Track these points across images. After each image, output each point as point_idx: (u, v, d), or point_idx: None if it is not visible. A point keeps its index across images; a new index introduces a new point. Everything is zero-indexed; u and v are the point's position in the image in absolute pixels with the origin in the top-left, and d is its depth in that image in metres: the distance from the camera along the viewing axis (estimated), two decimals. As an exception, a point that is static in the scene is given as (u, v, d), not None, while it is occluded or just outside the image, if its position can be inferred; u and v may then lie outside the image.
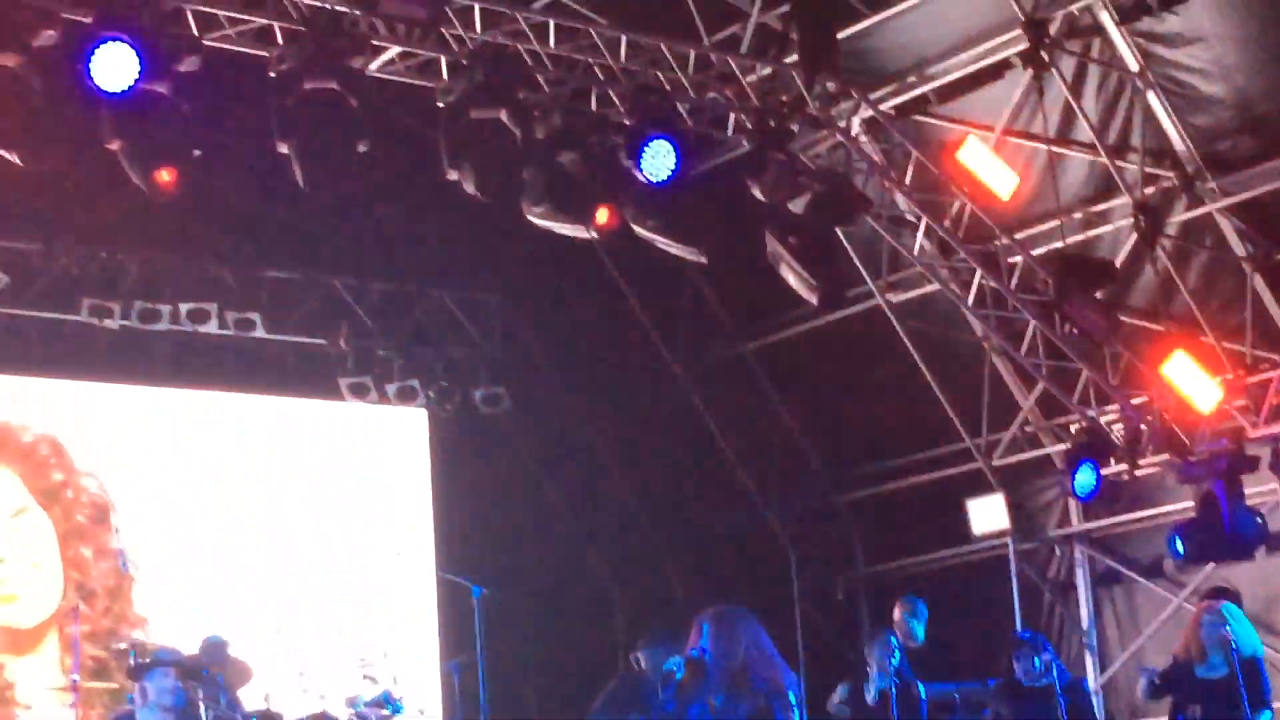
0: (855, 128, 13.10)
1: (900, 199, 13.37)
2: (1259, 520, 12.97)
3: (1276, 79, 12.00)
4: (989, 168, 12.84)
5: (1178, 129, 12.47)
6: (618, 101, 11.98)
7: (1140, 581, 14.52)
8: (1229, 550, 13.09)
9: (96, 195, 12.03)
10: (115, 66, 9.60)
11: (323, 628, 14.95)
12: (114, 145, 9.84)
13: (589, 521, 16.80)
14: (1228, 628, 10.72)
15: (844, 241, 14.18)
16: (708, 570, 15.95)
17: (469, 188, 10.89)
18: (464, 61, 11.29)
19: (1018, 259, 13.49)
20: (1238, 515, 12.89)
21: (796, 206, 12.14)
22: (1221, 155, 12.54)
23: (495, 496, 15.96)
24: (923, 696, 11.46)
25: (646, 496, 16.78)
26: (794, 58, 12.39)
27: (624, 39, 11.84)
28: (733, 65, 12.43)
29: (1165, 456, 13.52)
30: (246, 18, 10.74)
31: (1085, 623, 14.83)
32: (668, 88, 12.13)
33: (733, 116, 12.60)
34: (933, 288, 14.08)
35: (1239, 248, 12.90)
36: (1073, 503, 14.57)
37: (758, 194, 12.07)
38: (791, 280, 12.13)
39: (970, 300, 13.74)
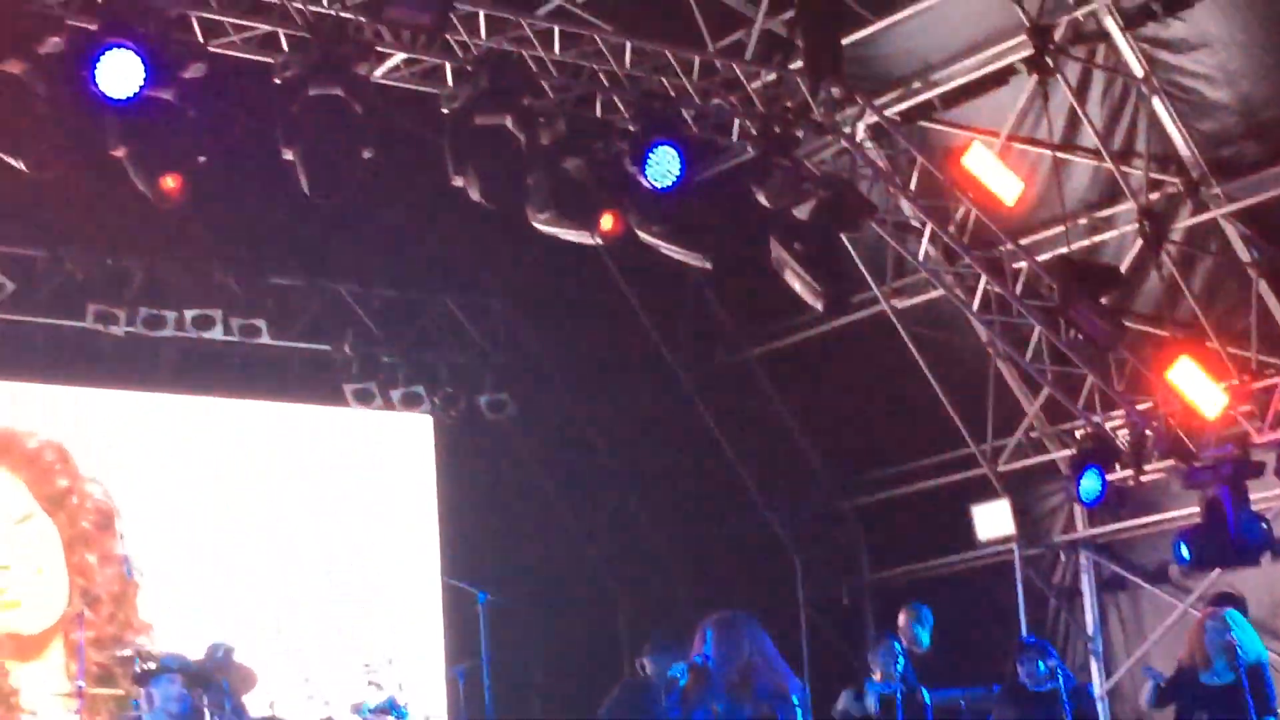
0: (860, 133, 13.10)
1: (905, 205, 13.36)
2: (1264, 526, 12.95)
3: (1282, 84, 12.02)
4: (994, 173, 12.83)
5: (1183, 134, 12.46)
6: (622, 108, 11.97)
7: (1146, 587, 14.51)
8: (1234, 556, 13.08)
9: (102, 202, 12.06)
10: (120, 73, 9.62)
11: (327, 633, 14.95)
12: (119, 152, 9.85)
13: (594, 527, 16.80)
14: (1231, 634, 10.72)
15: (849, 247, 14.20)
16: (713, 576, 15.95)
17: (474, 194, 10.90)
18: (469, 68, 11.30)
19: (1023, 264, 13.48)
20: (1243, 521, 12.88)
21: (801, 212, 12.15)
22: (1227, 161, 12.53)
23: (500, 502, 15.97)
24: (927, 702, 11.47)
25: (651, 502, 16.77)
26: (799, 64, 12.39)
27: (628, 45, 11.85)
28: (737, 71, 12.43)
29: (1170, 462, 13.50)
30: (251, 24, 10.75)
31: (1090, 629, 14.81)
32: (672, 94, 12.14)
33: (737, 122, 12.59)
34: (938, 293, 14.07)
35: (1244, 253, 12.89)
36: (1078, 508, 14.56)
37: (762, 200, 12.08)
38: (796, 286, 12.14)
39: (975, 306, 13.73)
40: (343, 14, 10.66)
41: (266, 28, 10.77)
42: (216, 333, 14.52)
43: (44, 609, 13.80)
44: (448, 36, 11.24)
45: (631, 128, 11.67)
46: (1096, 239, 13.38)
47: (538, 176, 11.17)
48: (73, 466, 14.24)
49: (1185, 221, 12.95)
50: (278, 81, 10.50)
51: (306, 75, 10.35)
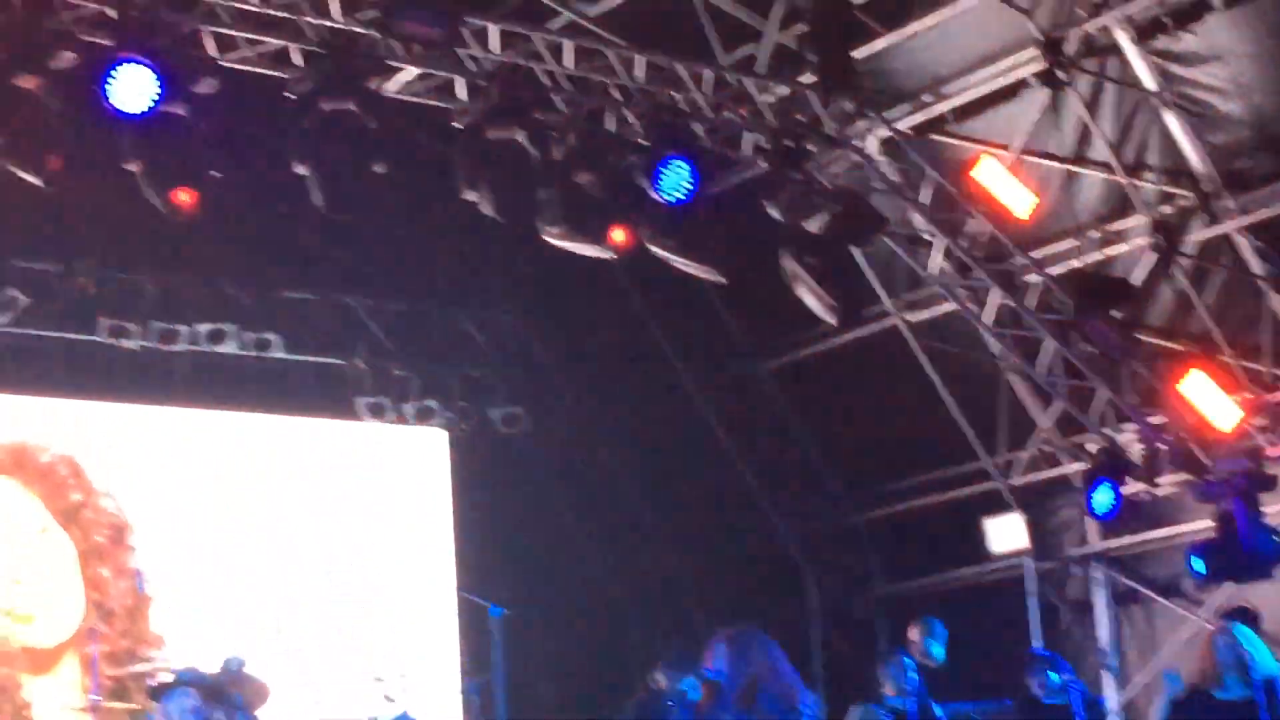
0: (872, 147, 13.10)
1: (917, 218, 13.36)
2: (1277, 539, 12.92)
3: (1294, 97, 12.01)
4: (1006, 187, 12.82)
5: (1195, 147, 12.44)
6: (634, 122, 11.99)
7: (1159, 601, 14.47)
8: (1248, 569, 13.04)
9: (115, 216, 12.07)
10: (134, 88, 9.68)
11: (339, 646, 14.96)
12: (132, 166, 9.90)
13: (606, 540, 16.80)
14: (1241, 648, 10.68)
15: (861, 261, 14.20)
16: (724, 590, 15.93)
17: (486, 208, 10.93)
18: (481, 82, 11.33)
19: (1035, 278, 13.47)
20: (1256, 534, 12.85)
21: (813, 226, 12.16)
22: (1239, 174, 12.50)
23: (513, 516, 15.97)
24: (939, 716, 11.44)
25: (664, 516, 16.77)
26: (811, 78, 12.41)
27: (640, 60, 11.86)
28: (749, 86, 12.44)
29: (1183, 475, 13.49)
30: (264, 39, 10.78)
31: (1104, 643, 14.78)
32: (684, 108, 12.14)
33: (749, 136, 12.60)
34: (950, 307, 14.06)
35: (1257, 266, 12.87)
36: (1090, 522, 14.53)
37: (774, 214, 12.09)
38: (808, 300, 12.14)
39: (987, 319, 13.72)
40: (355, 29, 10.69)
41: (279, 43, 10.80)
42: (229, 346, 14.56)
43: (58, 623, 13.82)
44: (459, 51, 11.27)
45: (643, 142, 11.70)
46: (1109, 252, 13.35)
47: (549, 191, 11.20)
48: (86, 480, 14.27)
49: (1198, 235, 12.93)
50: (290, 96, 10.54)
51: (319, 90, 10.39)
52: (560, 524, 16.52)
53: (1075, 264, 13.29)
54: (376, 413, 15.53)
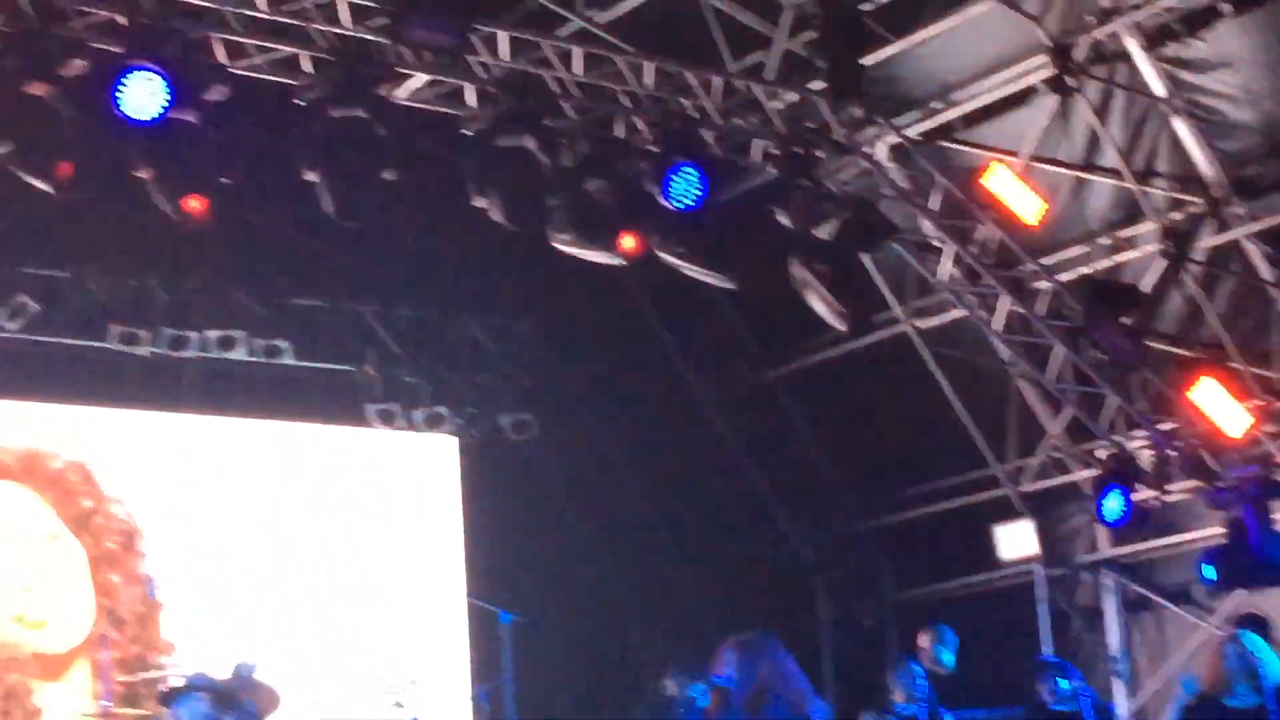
0: (881, 154, 13.11)
1: (926, 224, 13.36)
2: (1288, 546, 12.92)
3: (1305, 104, 12.00)
4: (1015, 193, 12.83)
5: (1205, 154, 12.44)
6: (644, 129, 12.00)
7: (1170, 608, 14.45)
8: (1258, 576, 13.04)
9: (125, 223, 12.10)
10: (144, 95, 9.71)
11: (350, 653, 14.96)
12: (143, 173, 9.92)
13: (616, 547, 16.79)
14: (1250, 655, 10.65)
15: (871, 268, 14.20)
16: (735, 597, 15.92)
17: (496, 215, 10.94)
18: (490, 89, 11.34)
19: (1045, 285, 13.47)
20: (1267, 541, 12.84)
21: (822, 233, 12.16)
22: (1249, 180, 12.49)
23: (523, 522, 15.96)
24: (950, 724, 11.43)
25: (673, 522, 16.76)
26: (820, 85, 12.41)
27: (650, 66, 11.87)
28: (758, 92, 12.44)
29: (1194, 482, 13.48)
30: (274, 46, 10.79)
31: (1114, 649, 14.76)
32: (694, 115, 12.14)
33: (759, 143, 12.60)
34: (959, 313, 14.06)
35: (1267, 273, 12.86)
36: (1100, 528, 14.52)
37: (784, 221, 12.10)
38: (818, 307, 12.15)
39: (997, 326, 13.72)
40: (365, 36, 10.71)
41: (289, 49, 10.81)
42: (239, 353, 14.56)
43: (69, 629, 13.83)
44: (469, 58, 11.27)
45: (653, 148, 11.71)
46: (1118, 259, 13.37)
47: (559, 197, 11.20)
48: (96, 487, 14.28)
49: (1207, 241, 12.93)
50: (300, 103, 10.55)
51: (329, 97, 10.41)
52: (570, 530, 16.51)
53: (1085, 270, 13.29)
54: (386, 419, 15.53)
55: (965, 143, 13.20)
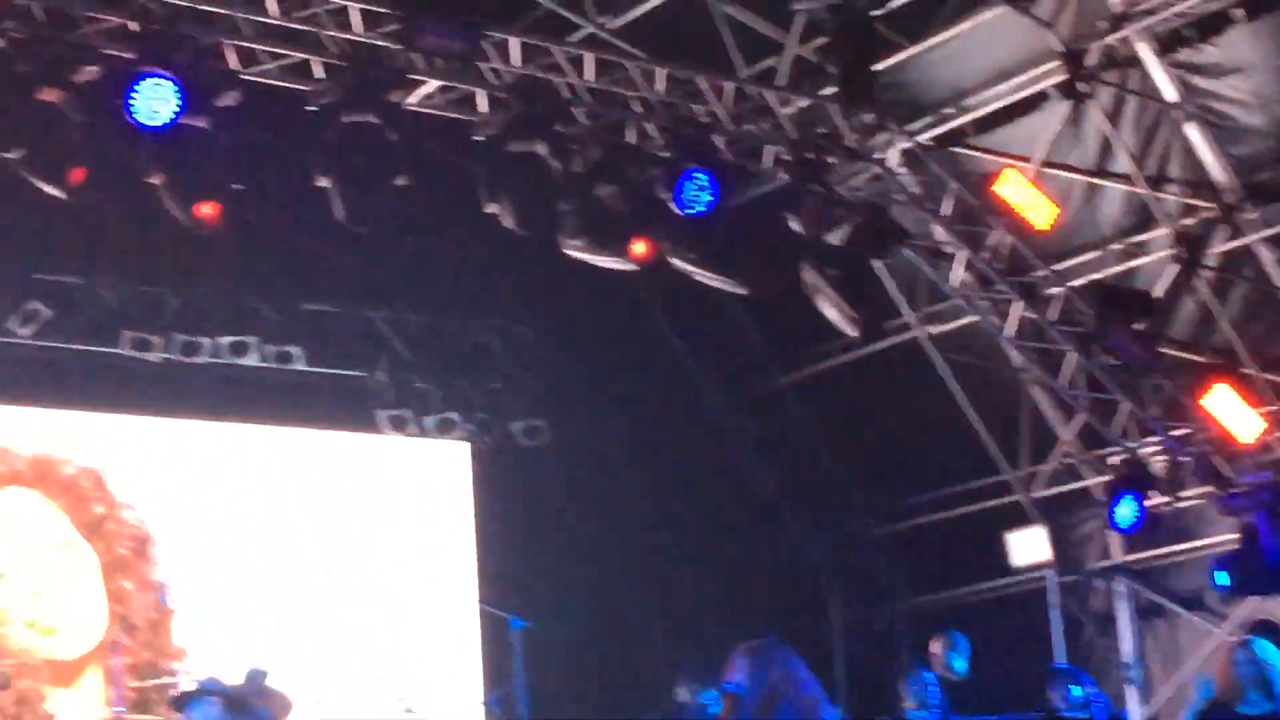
0: (893, 160, 13.10)
1: (938, 230, 13.35)
2: (1301, 552, 12.89)
3: (1316, 110, 11.98)
4: (1027, 199, 12.81)
5: (1217, 160, 12.42)
6: (655, 135, 12.00)
7: (1183, 614, 14.43)
8: (1272, 582, 13.02)
9: (137, 229, 12.11)
10: (156, 101, 9.72)
11: (361, 659, 14.96)
12: (154, 179, 9.93)
13: (627, 553, 16.77)
14: (1261, 662, 10.62)
15: (882, 274, 14.19)
16: (746, 603, 15.90)
17: (507, 221, 10.94)
18: (501, 95, 11.35)
19: (1057, 290, 13.45)
20: (1280, 547, 12.83)
21: (834, 239, 12.16)
22: (1261, 185, 12.48)
23: (534, 528, 15.96)
24: (962, 730, 11.42)
25: (685, 529, 16.74)
26: (832, 90, 12.41)
27: (661, 72, 11.87)
28: (770, 98, 12.44)
29: (1206, 488, 13.46)
30: (286, 52, 10.80)
31: (1127, 656, 14.73)
32: (705, 121, 12.14)
33: (770, 149, 12.60)
34: (971, 319, 14.05)
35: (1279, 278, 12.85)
36: (1113, 535, 14.49)
37: (795, 226, 12.09)
38: (829, 312, 12.14)
39: (1009, 332, 13.70)
40: (376, 42, 10.72)
41: (300, 56, 10.82)
42: (251, 359, 14.57)
43: (81, 635, 13.84)
44: (480, 64, 11.28)
45: (664, 154, 11.71)
46: (1131, 264, 13.36)
47: (570, 203, 11.21)
48: (108, 493, 14.29)
49: (1220, 247, 12.91)
50: (311, 109, 10.56)
51: (340, 103, 10.42)
52: (581, 536, 16.50)
53: (1097, 276, 13.27)
54: (398, 425, 15.54)
55: (977, 148, 13.18)
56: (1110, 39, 12.10)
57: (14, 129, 9.63)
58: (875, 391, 15.27)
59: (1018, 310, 13.54)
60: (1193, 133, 12.36)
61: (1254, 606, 13.56)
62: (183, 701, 10.62)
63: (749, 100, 12.41)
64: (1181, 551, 14.30)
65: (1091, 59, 12.24)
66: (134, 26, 10.00)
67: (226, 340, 14.39)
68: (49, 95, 9.62)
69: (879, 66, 12.29)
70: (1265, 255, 12.77)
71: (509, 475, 16.06)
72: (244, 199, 10.18)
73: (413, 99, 11.28)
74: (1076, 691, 11.48)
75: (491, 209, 10.93)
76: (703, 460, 16.49)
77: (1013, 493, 15.05)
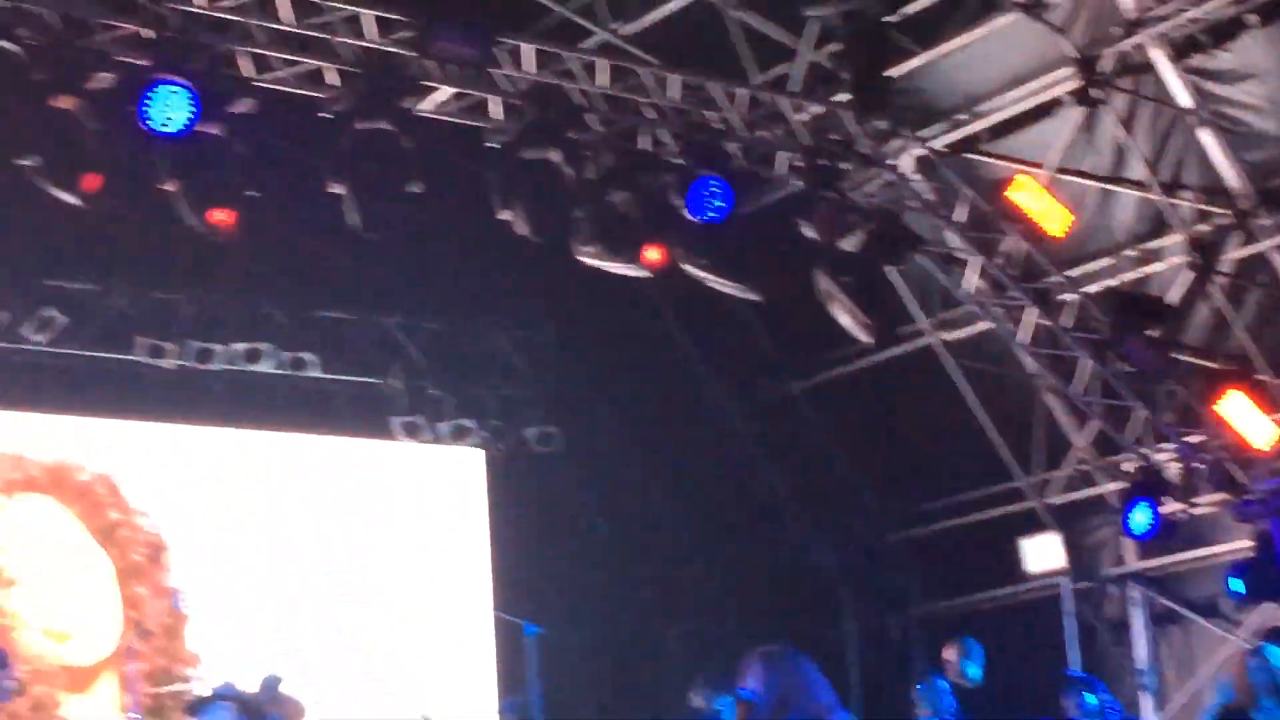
0: (906, 166, 13.08)
1: (952, 237, 13.34)
2: (1317, 559, 12.87)
3: (1331, 115, 11.96)
4: (1041, 205, 12.80)
5: (1231, 165, 12.40)
6: (668, 141, 12.00)
7: (1198, 621, 14.40)
8: (1286, 589, 13.01)
9: (151, 236, 12.14)
10: (170, 109, 9.73)
11: (377, 667, 14.97)
12: (169, 186, 9.95)
13: (641, 560, 16.78)
14: (1275, 670, 10.59)
15: (896, 280, 14.18)
16: (760, 609, 15.91)
17: (520, 227, 10.95)
18: (515, 102, 11.36)
19: (1071, 297, 13.43)
20: (1295, 554, 12.81)
21: (847, 245, 12.16)
22: (1276, 191, 12.46)
23: (549, 535, 15.97)
24: (976, 737, 11.39)
25: (699, 535, 16.75)
26: (845, 97, 12.41)
27: (674, 79, 11.87)
28: (783, 105, 12.44)
29: (1221, 495, 13.43)
30: (299, 60, 10.81)
31: (1141, 663, 14.70)
32: (718, 127, 12.15)
33: (783, 155, 12.59)
34: (985, 326, 14.03)
35: (1294, 285, 12.84)
36: (1127, 541, 14.47)
37: (808, 233, 12.09)
38: (843, 319, 12.14)
39: (1023, 338, 13.68)
40: (390, 49, 10.73)
41: (314, 63, 10.83)
42: (265, 366, 14.60)
43: (96, 641, 13.86)
44: (494, 71, 11.29)
45: (677, 161, 11.71)
46: (1145, 271, 13.34)
47: (583, 210, 11.22)
48: (123, 499, 14.31)
49: (1234, 253, 12.89)
50: (326, 116, 10.58)
51: (354, 109, 10.44)
52: (595, 543, 16.51)
53: (1112, 282, 13.26)
54: (412, 432, 15.56)
55: (991, 155, 13.18)
56: (1124, 45, 12.09)
57: (29, 136, 9.65)
58: (889, 398, 15.26)
59: (1032, 316, 13.52)
60: (1207, 138, 12.35)
61: (1269, 613, 13.52)
62: (197, 707, 10.63)
63: (762, 106, 12.41)
64: (1196, 558, 14.28)
65: (1105, 65, 12.23)
66: (148, 34, 10.02)
67: (240, 347, 14.42)
68: (64, 102, 9.64)
69: (892, 73, 12.30)
70: (1280, 261, 12.77)
71: (523, 481, 16.07)
72: (258, 206, 10.20)
73: (426, 105, 11.29)
74: (1090, 699, 11.43)
75: (505, 215, 10.94)
76: (716, 467, 16.49)
77: (1027, 499, 15.03)
